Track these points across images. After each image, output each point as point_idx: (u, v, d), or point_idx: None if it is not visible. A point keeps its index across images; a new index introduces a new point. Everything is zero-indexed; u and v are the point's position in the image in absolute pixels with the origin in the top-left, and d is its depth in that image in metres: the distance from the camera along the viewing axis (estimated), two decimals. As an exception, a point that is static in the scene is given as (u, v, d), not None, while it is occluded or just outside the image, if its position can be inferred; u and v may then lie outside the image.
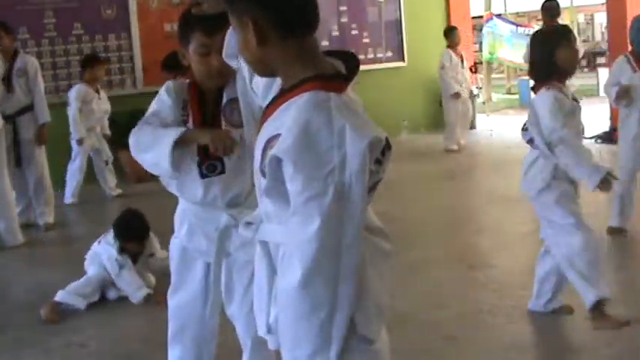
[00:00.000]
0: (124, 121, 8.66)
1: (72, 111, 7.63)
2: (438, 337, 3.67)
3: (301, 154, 1.51)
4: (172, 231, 2.74)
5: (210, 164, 2.54)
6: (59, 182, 7.22)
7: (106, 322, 4.30)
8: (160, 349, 3.85)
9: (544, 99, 3.59)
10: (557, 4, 8.38)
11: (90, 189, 8.22)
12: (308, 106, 1.57)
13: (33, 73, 6.57)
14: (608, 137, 9.15)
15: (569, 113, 3.60)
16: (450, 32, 10.10)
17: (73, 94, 7.68)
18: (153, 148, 2.47)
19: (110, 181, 8.11)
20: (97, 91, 7.89)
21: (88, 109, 7.75)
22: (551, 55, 3.58)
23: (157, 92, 2.61)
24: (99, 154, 8.00)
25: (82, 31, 8.99)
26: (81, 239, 6.41)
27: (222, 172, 2.55)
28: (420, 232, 5.54)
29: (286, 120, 1.57)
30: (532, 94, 3.80)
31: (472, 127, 11.20)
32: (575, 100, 3.71)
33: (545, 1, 8.43)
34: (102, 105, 7.94)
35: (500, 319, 3.97)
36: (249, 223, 1.79)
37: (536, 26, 13.49)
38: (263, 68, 1.71)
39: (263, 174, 1.63)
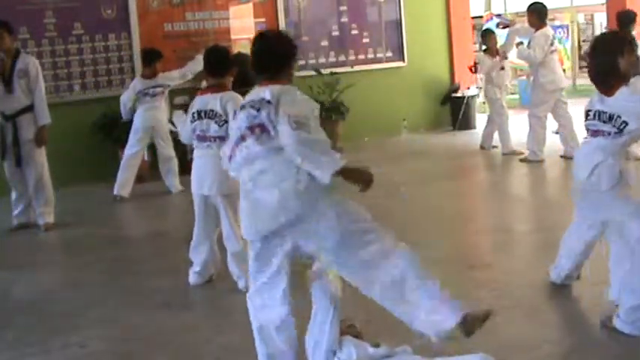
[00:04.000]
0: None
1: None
2: (438, 336, 3.67)
3: None
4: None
5: None
6: (59, 182, 7.21)
7: (105, 322, 4.30)
8: (160, 349, 3.87)
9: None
10: (544, 5, 8.04)
11: (90, 189, 8.22)
12: None
13: (34, 74, 6.52)
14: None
15: None
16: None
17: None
18: None
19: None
20: None
21: None
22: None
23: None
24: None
25: (82, 31, 8.99)
26: (81, 239, 6.41)
27: None
28: (420, 232, 5.54)
29: None
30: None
31: (472, 127, 11.17)
32: None
33: (530, 4, 8.07)
34: None
35: (500, 319, 3.97)
36: None
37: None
38: None
39: None
